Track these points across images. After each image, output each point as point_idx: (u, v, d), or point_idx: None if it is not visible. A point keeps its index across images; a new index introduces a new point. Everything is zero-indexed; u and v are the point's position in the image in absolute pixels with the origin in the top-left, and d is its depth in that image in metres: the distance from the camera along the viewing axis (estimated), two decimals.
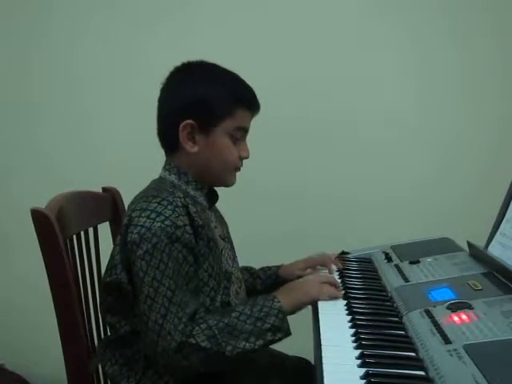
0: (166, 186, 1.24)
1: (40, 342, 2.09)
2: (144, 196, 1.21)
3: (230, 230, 1.44)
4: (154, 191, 1.22)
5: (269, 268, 1.53)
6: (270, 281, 1.50)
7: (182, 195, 1.22)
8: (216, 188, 1.36)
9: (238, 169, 1.31)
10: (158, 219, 1.15)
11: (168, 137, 1.28)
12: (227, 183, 1.32)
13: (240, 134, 1.28)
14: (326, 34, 2.07)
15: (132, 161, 2.05)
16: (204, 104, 1.24)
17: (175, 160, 1.28)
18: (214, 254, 1.24)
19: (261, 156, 1.92)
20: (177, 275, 1.15)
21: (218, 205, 1.42)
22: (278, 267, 1.52)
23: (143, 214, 1.16)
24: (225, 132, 1.25)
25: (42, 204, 1.21)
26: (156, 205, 1.17)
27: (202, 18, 2.08)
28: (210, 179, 1.31)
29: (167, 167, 1.29)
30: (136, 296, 1.17)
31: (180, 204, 1.19)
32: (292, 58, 2.06)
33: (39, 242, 1.18)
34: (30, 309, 2.16)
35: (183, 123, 1.23)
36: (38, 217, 1.16)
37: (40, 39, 2.13)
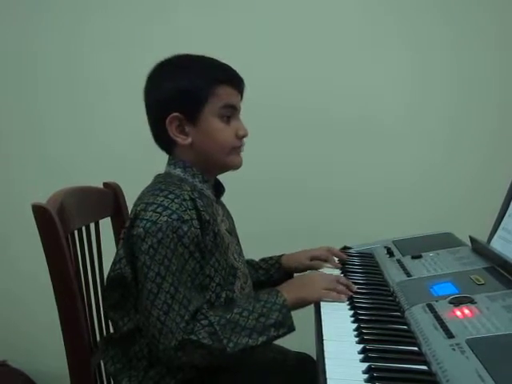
0: (173, 180, 1.23)
1: (42, 338, 2.09)
2: (151, 190, 1.20)
3: None
4: (162, 185, 1.20)
5: (270, 258, 1.53)
6: (273, 270, 1.50)
7: (189, 188, 1.21)
8: (223, 179, 1.35)
9: (238, 148, 1.28)
10: (164, 213, 1.14)
11: (161, 137, 1.28)
12: (233, 165, 1.29)
13: (229, 112, 1.26)
14: (328, 28, 2.06)
15: (133, 156, 2.04)
16: (183, 93, 1.23)
17: (178, 156, 1.28)
18: (220, 249, 1.23)
19: (261, 150, 1.92)
20: (180, 272, 1.13)
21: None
22: (280, 256, 1.52)
23: (149, 208, 1.15)
24: (212, 114, 1.24)
25: (43, 199, 1.20)
26: (163, 198, 1.16)
27: (205, 15, 2.07)
28: (215, 166, 1.29)
29: (172, 162, 1.29)
30: (139, 291, 1.16)
31: (187, 197, 1.17)
32: (292, 54, 2.05)
33: (40, 237, 1.17)
34: (32, 305, 2.16)
35: (169, 117, 1.23)
36: (39, 212, 1.16)
37: (43, 35, 2.12)
